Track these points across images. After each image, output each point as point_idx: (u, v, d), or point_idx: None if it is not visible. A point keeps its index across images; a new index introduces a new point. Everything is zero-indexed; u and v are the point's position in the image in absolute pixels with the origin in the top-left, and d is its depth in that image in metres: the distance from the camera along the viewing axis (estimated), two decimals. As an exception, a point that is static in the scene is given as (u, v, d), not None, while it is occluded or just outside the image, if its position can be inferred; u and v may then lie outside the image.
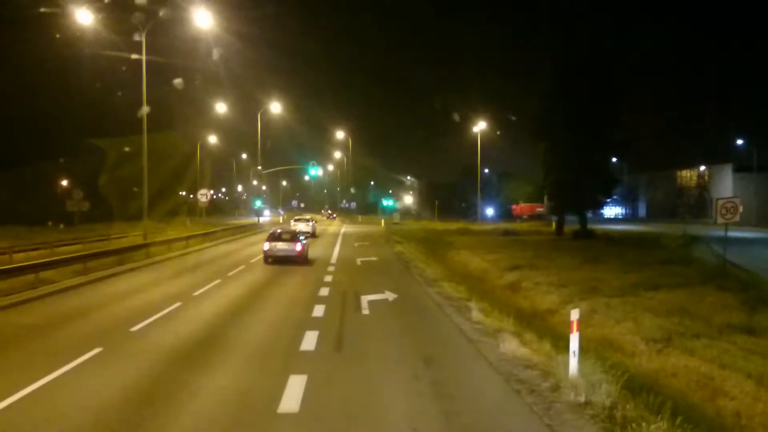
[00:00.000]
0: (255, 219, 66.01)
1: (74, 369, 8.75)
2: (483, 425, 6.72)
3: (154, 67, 30.60)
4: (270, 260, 24.16)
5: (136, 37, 28.30)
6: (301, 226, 38.86)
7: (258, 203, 70.48)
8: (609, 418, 6.58)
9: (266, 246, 24.72)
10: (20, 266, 17.77)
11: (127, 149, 55.73)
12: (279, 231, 27.16)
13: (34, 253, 26.18)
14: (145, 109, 29.22)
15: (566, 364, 7.98)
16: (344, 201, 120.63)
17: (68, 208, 42.38)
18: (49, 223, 46.63)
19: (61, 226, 45.33)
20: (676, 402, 7.50)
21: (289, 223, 50.63)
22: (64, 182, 68.51)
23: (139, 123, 29.82)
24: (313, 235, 40.30)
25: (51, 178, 69.62)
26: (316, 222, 51.15)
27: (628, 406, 6.74)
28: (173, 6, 28.74)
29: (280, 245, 24.61)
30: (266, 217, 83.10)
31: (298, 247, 24.51)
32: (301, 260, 24.24)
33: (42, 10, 27.13)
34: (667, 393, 8.09)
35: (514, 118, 64.30)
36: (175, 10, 28.86)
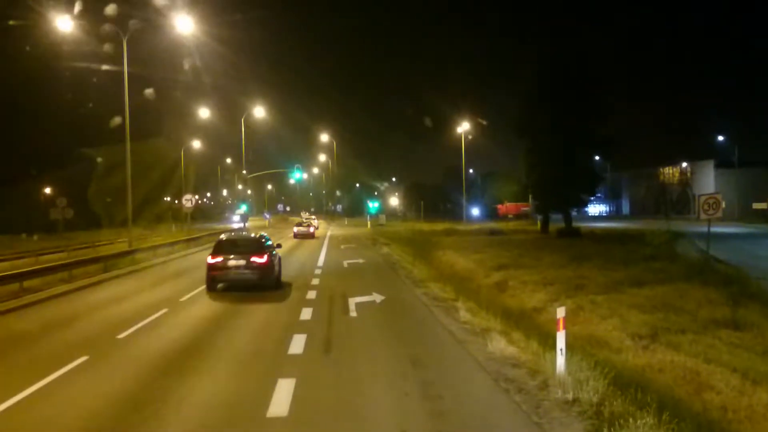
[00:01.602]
0: (240, 224, 65.06)
1: (61, 377, 8.69)
2: (472, 425, 6.74)
3: (137, 76, 30.53)
4: (296, 237, 45.65)
5: (117, 48, 28.19)
6: (311, 221, 60.37)
7: (243, 207, 70.08)
8: (596, 415, 6.61)
9: (295, 230, 48.59)
10: (4, 275, 17.63)
11: (100, 159, 55.63)
12: (300, 222, 52.43)
13: (19, 262, 26.00)
14: (127, 117, 29.07)
15: (553, 361, 8.02)
16: (330, 204, 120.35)
17: (52, 216, 42.01)
18: (23, 235, 46.21)
19: (35, 237, 44.95)
20: (663, 397, 7.56)
21: (276, 226, 62.03)
22: (48, 190, 67.91)
23: (121, 131, 29.70)
24: (317, 228, 58.85)
25: (34, 187, 68.94)
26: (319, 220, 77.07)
27: (615, 403, 6.77)
28: (154, 12, 28.67)
29: (302, 229, 48.42)
30: (238, 222, 74.61)
31: (311, 229, 49.23)
32: (312, 237, 46.78)
33: (12, 23, 26.98)
34: (654, 388, 8.15)
35: (484, 122, 64.90)
36: (156, 16, 28.78)
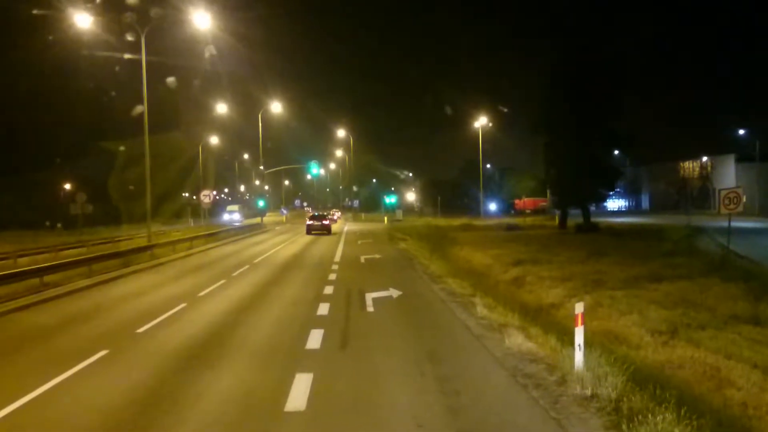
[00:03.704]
0: (232, 223, 62.01)
1: (81, 371, 8.79)
2: (489, 420, 6.72)
3: (155, 70, 30.75)
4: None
5: (136, 40, 28.38)
6: (326, 213, 67.08)
7: (261, 203, 70.42)
8: (615, 411, 6.58)
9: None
10: (25, 270, 17.83)
11: (123, 149, 56.07)
12: (326, 213, 60.48)
13: (39, 257, 26.26)
14: (146, 112, 29.27)
15: (572, 357, 7.98)
16: (347, 199, 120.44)
17: (71, 211, 42.40)
18: (47, 223, 46.66)
19: (59, 225, 45.41)
20: (683, 393, 7.50)
21: (293, 221, 70.60)
22: (68, 186, 68.57)
23: (141, 126, 29.93)
24: (340, 217, 78.28)
25: (54, 182, 69.68)
26: (341, 213, 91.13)
27: (634, 398, 6.73)
28: (172, 7, 28.83)
29: (327, 218, 55.88)
30: (236, 220, 69.82)
31: (335, 217, 67.45)
32: (335, 222, 61.05)
33: (35, 11, 27.29)
34: (674, 384, 8.09)
35: (505, 109, 64.95)
36: (174, 11, 28.94)
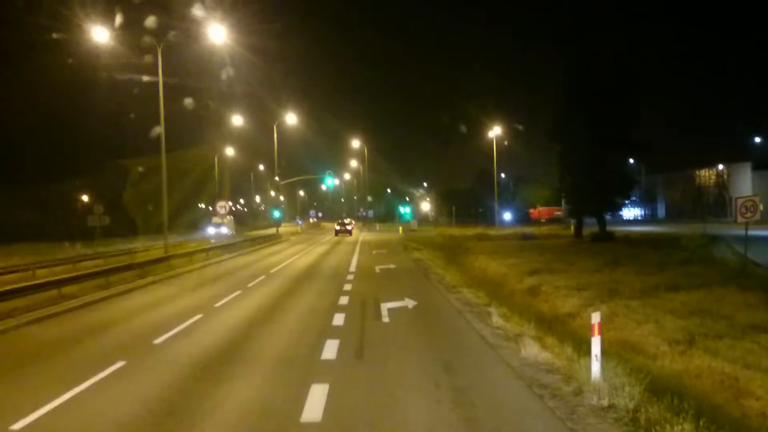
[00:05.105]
0: (220, 236, 55.44)
1: (98, 382, 8.85)
2: (505, 431, 6.70)
3: (172, 84, 31.11)
4: (338, 234, 64.53)
5: (153, 56, 28.78)
6: (347, 221, 76.16)
7: (276, 213, 70.70)
8: (632, 421, 6.54)
9: (337, 228, 68.39)
10: (43, 282, 18.01)
11: (141, 169, 56.61)
12: (344, 222, 71.89)
13: (57, 269, 26.53)
14: (162, 127, 29.60)
15: (588, 367, 7.94)
16: (361, 209, 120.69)
17: (89, 223, 42.73)
18: (66, 244, 47.08)
19: (79, 245, 45.82)
20: (701, 403, 7.44)
21: (308, 232, 73.99)
22: (85, 198, 69.28)
23: (157, 141, 30.27)
24: (354, 227, 78.05)
25: (72, 195, 70.44)
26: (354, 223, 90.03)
27: (651, 409, 6.68)
28: (187, 23, 29.20)
29: (344, 226, 67.88)
30: (223, 234, 58.55)
31: (351, 226, 71.03)
32: (351, 233, 66.23)
33: (56, 35, 27.84)
34: (691, 395, 8.02)
35: (521, 127, 65.67)
36: (191, 25, 29.31)
